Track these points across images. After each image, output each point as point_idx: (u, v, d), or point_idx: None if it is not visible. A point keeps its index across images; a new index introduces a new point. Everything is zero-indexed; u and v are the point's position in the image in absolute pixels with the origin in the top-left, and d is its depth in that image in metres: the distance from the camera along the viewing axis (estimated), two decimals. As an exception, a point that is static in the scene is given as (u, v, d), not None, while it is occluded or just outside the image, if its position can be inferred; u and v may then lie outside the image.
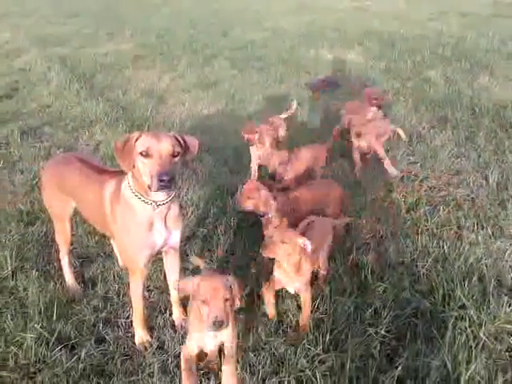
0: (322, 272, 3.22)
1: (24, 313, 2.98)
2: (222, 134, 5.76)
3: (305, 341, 2.71)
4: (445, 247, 3.50)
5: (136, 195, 2.47)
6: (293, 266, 2.82)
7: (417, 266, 3.35)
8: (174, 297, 2.96)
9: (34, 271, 3.33)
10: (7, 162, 5.12)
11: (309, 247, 2.76)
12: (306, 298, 2.89)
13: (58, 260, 3.34)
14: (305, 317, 2.88)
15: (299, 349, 2.66)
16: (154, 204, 2.47)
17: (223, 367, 2.44)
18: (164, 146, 2.31)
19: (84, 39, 12.03)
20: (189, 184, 4.50)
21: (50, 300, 3.05)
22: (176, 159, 2.36)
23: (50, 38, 12.07)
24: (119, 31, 12.77)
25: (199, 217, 4.06)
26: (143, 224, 2.53)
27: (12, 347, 2.71)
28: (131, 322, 2.88)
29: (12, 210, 4.10)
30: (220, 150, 5.31)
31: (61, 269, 3.31)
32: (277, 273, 2.91)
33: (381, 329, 2.79)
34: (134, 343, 2.79)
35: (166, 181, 2.24)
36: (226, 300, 2.24)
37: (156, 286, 3.24)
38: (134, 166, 2.38)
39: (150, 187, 2.33)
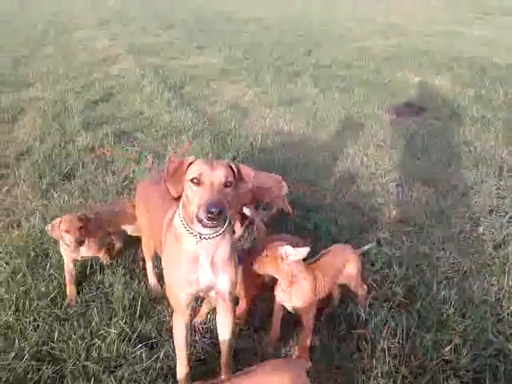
0: (361, 293, 3.16)
1: (109, 308, 3.16)
2: (302, 152, 5.81)
3: (378, 371, 2.67)
4: (533, 289, 3.31)
5: (183, 224, 2.25)
6: (286, 279, 2.71)
7: (501, 306, 3.19)
8: (224, 360, 2.64)
9: (120, 268, 3.53)
10: (101, 161, 5.47)
11: (292, 256, 2.64)
12: (305, 320, 2.77)
13: (143, 260, 3.53)
14: (303, 340, 2.79)
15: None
16: (197, 236, 2.23)
17: None
18: (217, 173, 2.09)
19: (176, 51, 12.64)
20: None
21: (133, 297, 3.21)
22: (228, 190, 2.13)
23: (145, 48, 12.81)
24: (209, 45, 13.28)
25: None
26: (187, 257, 2.28)
27: (96, 340, 2.87)
28: (208, 328, 2.96)
29: (103, 209, 4.37)
30: (301, 167, 5.35)
31: (144, 269, 3.49)
32: (276, 290, 2.84)
33: (459, 368, 2.69)
34: (208, 350, 2.85)
35: (215, 213, 1.98)
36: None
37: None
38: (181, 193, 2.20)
39: (196, 218, 2.08)
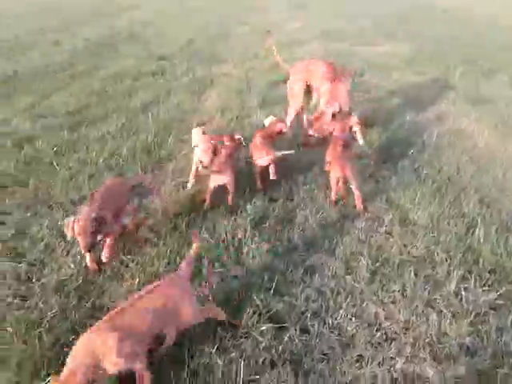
0: None
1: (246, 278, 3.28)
2: (480, 158, 5.21)
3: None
4: None
5: None
6: None
7: None
8: None
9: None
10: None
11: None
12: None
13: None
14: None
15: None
16: None
17: None
18: None
19: (364, 37, 12.33)
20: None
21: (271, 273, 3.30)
22: None
23: (332, 33, 12.77)
24: (398, 34, 12.69)
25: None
26: None
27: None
28: (338, 323, 2.90)
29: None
30: (475, 177, 4.81)
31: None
32: None
33: None
34: (334, 346, 2.78)
35: None
36: None
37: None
38: None
39: None
